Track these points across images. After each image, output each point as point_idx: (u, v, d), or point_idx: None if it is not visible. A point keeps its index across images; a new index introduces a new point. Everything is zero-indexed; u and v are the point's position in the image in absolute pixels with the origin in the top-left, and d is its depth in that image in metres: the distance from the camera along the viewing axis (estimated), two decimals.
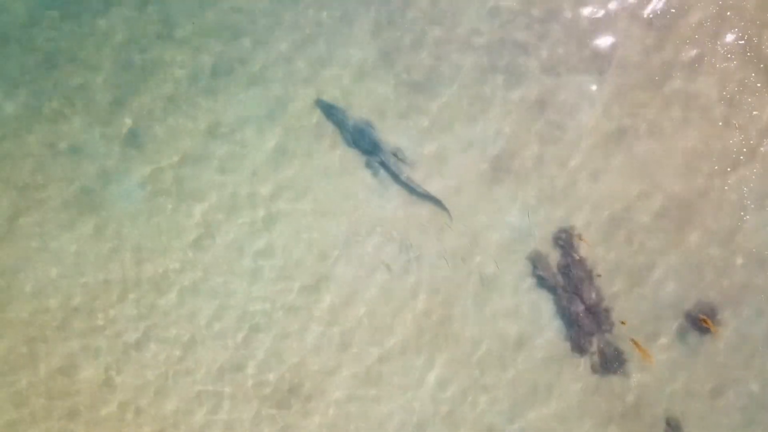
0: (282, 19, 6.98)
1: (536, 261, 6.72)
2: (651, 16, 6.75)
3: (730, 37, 6.68)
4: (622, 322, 6.62)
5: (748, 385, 6.48)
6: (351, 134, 6.88)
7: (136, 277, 6.88)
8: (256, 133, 6.93)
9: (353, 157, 6.90)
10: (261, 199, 6.90)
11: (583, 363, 6.63)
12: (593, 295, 6.63)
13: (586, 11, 6.82)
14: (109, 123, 6.95)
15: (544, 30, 6.84)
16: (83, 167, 6.94)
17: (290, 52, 6.97)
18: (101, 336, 6.85)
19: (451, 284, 6.77)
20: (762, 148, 6.62)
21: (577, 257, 6.67)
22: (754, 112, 6.63)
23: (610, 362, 6.59)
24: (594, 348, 6.61)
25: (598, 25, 6.81)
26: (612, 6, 6.79)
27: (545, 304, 6.73)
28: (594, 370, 6.61)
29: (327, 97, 6.93)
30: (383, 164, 6.86)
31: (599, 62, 6.78)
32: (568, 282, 6.65)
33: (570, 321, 6.64)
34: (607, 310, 6.63)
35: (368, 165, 6.90)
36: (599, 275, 6.66)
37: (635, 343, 6.58)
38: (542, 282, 6.72)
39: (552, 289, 6.70)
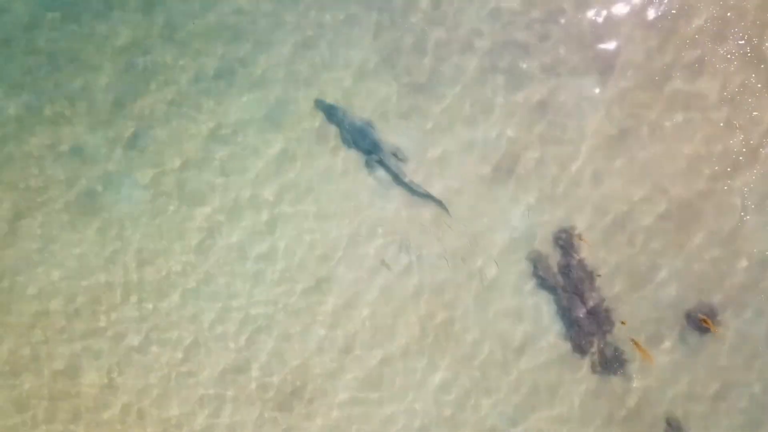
0: (284, 21, 6.97)
1: (536, 261, 6.72)
2: (653, 17, 6.74)
3: (731, 39, 6.66)
4: (622, 322, 6.61)
5: (749, 386, 6.48)
6: (350, 134, 6.88)
7: (138, 279, 6.89)
8: (258, 135, 6.94)
9: (355, 160, 6.90)
10: (263, 202, 6.91)
11: (584, 364, 6.63)
12: (593, 296, 6.62)
13: (588, 13, 6.80)
14: (111, 125, 6.96)
15: (546, 31, 6.83)
16: (85, 169, 6.95)
17: (292, 55, 6.96)
18: (103, 338, 6.88)
19: (453, 286, 6.77)
20: (763, 150, 6.61)
21: (578, 257, 6.66)
22: (755, 113, 6.62)
23: (611, 362, 6.58)
24: (594, 348, 6.61)
25: (599, 27, 6.79)
26: (614, 8, 6.78)
27: (546, 304, 6.72)
28: (594, 370, 6.61)
29: (327, 98, 6.92)
30: (383, 164, 6.86)
31: (601, 64, 6.76)
32: (568, 282, 6.65)
33: (570, 321, 6.63)
34: (607, 311, 6.62)
35: (368, 164, 6.90)
36: (599, 275, 6.65)
37: (635, 343, 6.57)
38: (542, 282, 6.71)
39: (552, 289, 6.69)
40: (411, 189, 6.82)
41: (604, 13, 6.79)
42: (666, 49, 6.72)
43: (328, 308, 6.83)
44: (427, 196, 6.81)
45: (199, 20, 6.98)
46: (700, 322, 6.50)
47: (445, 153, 6.85)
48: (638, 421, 6.57)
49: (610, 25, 6.78)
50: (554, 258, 6.72)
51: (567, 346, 6.66)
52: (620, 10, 6.77)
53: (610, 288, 6.66)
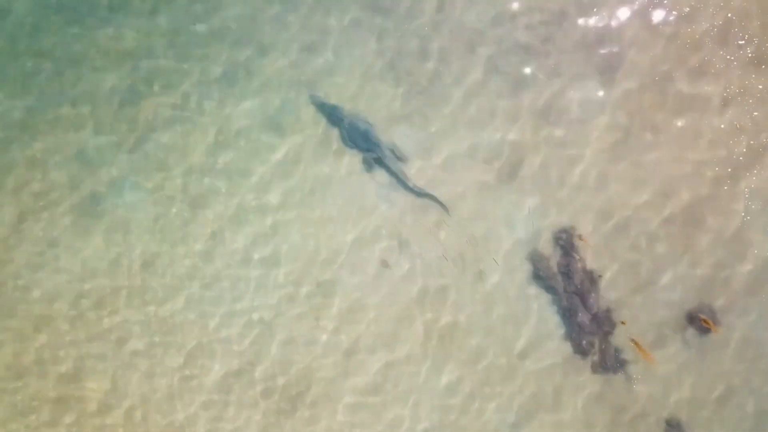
0: (288, 25, 6.95)
1: (538, 262, 6.73)
2: (657, 21, 6.72)
3: (735, 42, 6.65)
4: (623, 323, 6.62)
5: (751, 387, 6.51)
6: (348, 132, 6.86)
7: (142, 283, 6.89)
8: (261, 139, 6.92)
9: (359, 163, 6.90)
10: (267, 206, 6.90)
11: (586, 366, 6.65)
12: (593, 296, 6.64)
13: (592, 17, 6.78)
14: (115, 129, 6.94)
15: (550, 35, 6.81)
16: (89, 173, 6.93)
17: (296, 59, 6.94)
18: (107, 342, 6.88)
19: (457, 289, 6.78)
20: (760, 146, 6.62)
21: (578, 257, 6.67)
22: (759, 116, 6.62)
23: (611, 363, 6.59)
24: (595, 349, 6.62)
25: (603, 31, 6.77)
26: (618, 12, 6.75)
27: (547, 306, 6.73)
28: (595, 370, 6.63)
29: (324, 97, 6.91)
30: (381, 163, 6.85)
31: (605, 67, 6.75)
32: (568, 282, 6.66)
33: (570, 322, 6.65)
34: (607, 311, 6.63)
35: (366, 163, 6.89)
36: (600, 276, 6.66)
37: (636, 344, 6.58)
38: (544, 283, 6.73)
39: (552, 289, 6.71)
40: (409, 188, 6.82)
41: (608, 16, 6.78)
42: (670, 53, 6.71)
43: (331, 312, 6.83)
44: (426, 196, 6.81)
45: (202, 24, 6.95)
46: (701, 322, 6.52)
47: (448, 156, 6.84)
48: (638, 420, 6.59)
49: (614, 29, 6.76)
50: (556, 259, 6.72)
51: (569, 349, 6.68)
52: (624, 13, 6.75)
53: (610, 288, 6.68)
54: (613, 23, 6.77)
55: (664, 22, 6.72)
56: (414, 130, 6.87)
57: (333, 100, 6.88)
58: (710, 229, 6.62)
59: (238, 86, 6.93)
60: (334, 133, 6.91)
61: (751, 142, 6.61)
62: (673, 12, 6.71)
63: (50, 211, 6.91)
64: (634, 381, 6.61)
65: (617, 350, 6.61)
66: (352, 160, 6.90)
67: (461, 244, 6.79)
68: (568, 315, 6.66)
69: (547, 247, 6.75)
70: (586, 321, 6.61)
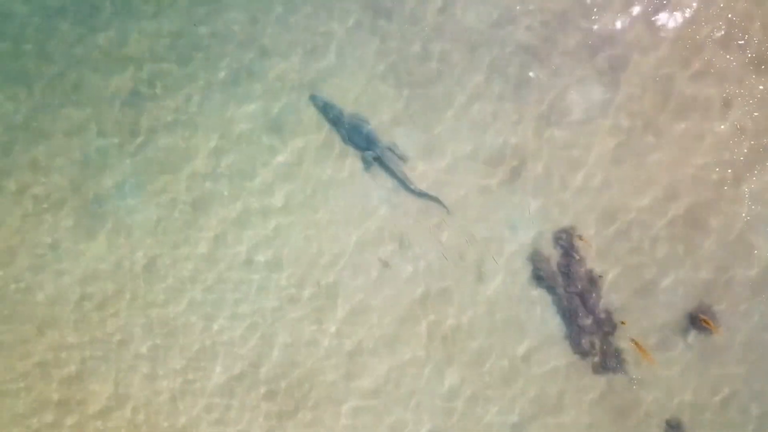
0: (291, 29, 6.95)
1: (537, 262, 6.75)
2: (660, 24, 6.73)
3: (738, 44, 6.66)
4: (623, 323, 6.65)
5: (750, 387, 6.54)
6: (347, 131, 6.86)
7: (145, 286, 6.89)
8: (264, 143, 6.93)
9: (361, 166, 6.90)
10: (269, 209, 6.90)
11: (587, 367, 6.68)
12: (594, 296, 6.66)
13: (596, 20, 6.79)
14: (118, 133, 6.95)
15: (554, 38, 6.81)
16: (92, 177, 6.94)
17: (299, 62, 6.94)
18: (111, 345, 6.88)
19: (459, 291, 6.80)
20: (762, 148, 6.63)
21: (578, 257, 6.69)
22: (762, 119, 6.63)
23: (612, 363, 6.63)
24: (595, 349, 6.65)
25: (607, 34, 6.78)
26: (620, 14, 6.76)
27: (549, 307, 6.75)
28: (596, 371, 6.65)
29: (324, 95, 6.91)
30: (380, 161, 6.85)
31: (608, 70, 6.76)
32: (568, 282, 6.68)
33: (571, 322, 6.67)
34: (607, 311, 6.66)
35: (364, 161, 6.88)
36: (600, 276, 6.68)
37: (636, 344, 6.61)
38: (543, 283, 6.74)
39: (552, 290, 6.73)
40: (407, 186, 6.82)
41: (612, 20, 6.78)
42: (673, 55, 6.72)
43: (334, 314, 6.84)
44: (425, 195, 6.82)
45: (207, 29, 6.94)
46: (701, 322, 6.55)
47: (451, 158, 6.85)
48: (638, 420, 6.62)
49: (617, 32, 6.77)
50: (557, 260, 6.74)
51: (570, 351, 6.70)
52: (627, 16, 6.75)
53: (610, 288, 6.69)
54: (616, 26, 6.78)
55: (667, 25, 6.73)
56: (416, 132, 6.87)
57: (334, 101, 6.88)
58: (713, 231, 6.64)
59: (241, 89, 6.93)
60: (336, 136, 6.92)
61: (753, 144, 6.62)
62: (676, 15, 6.72)
63: (53, 214, 6.90)
64: (636, 384, 6.63)
65: (617, 350, 6.63)
66: (355, 162, 6.91)
67: (463, 246, 6.80)
68: (568, 315, 6.68)
69: (547, 247, 6.76)
70: (587, 321, 6.63)
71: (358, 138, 6.84)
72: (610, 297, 6.68)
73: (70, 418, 6.85)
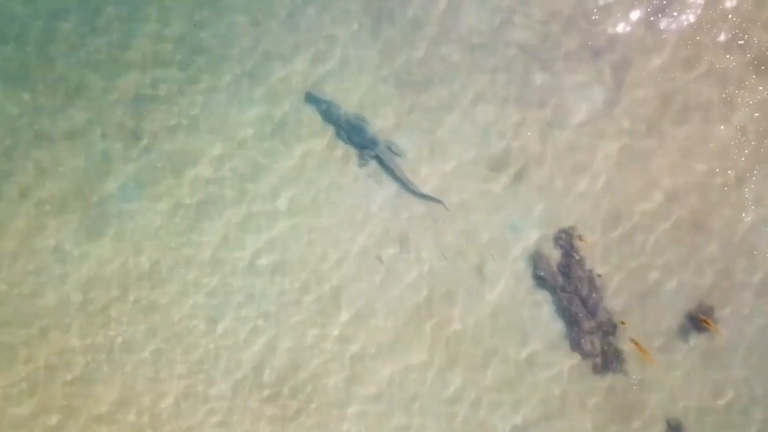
0: (294, 33, 6.93)
1: (538, 263, 6.76)
2: (664, 26, 6.72)
3: (741, 46, 6.66)
4: (622, 323, 6.65)
5: (750, 387, 6.56)
6: (345, 129, 6.86)
7: (149, 290, 6.89)
8: (267, 147, 6.91)
9: (365, 169, 6.89)
10: (273, 212, 6.89)
11: (589, 370, 6.70)
12: (594, 296, 6.67)
13: (599, 23, 6.78)
14: (123, 137, 6.92)
15: (557, 41, 6.81)
16: (97, 181, 6.92)
17: (303, 67, 6.93)
18: (114, 348, 6.88)
19: (463, 295, 6.80)
20: (764, 150, 6.65)
21: (578, 258, 6.70)
22: (758, 116, 6.64)
23: (611, 363, 6.63)
24: (595, 349, 6.66)
25: (610, 37, 6.77)
26: (624, 17, 6.75)
27: (549, 309, 6.76)
28: (595, 371, 6.66)
29: (319, 93, 6.91)
30: (378, 160, 6.85)
31: (612, 73, 6.76)
32: (568, 283, 6.70)
33: (571, 322, 6.69)
34: (607, 311, 6.67)
35: (361, 159, 6.88)
36: (600, 276, 6.70)
37: (636, 344, 6.62)
38: (543, 283, 6.75)
39: (553, 290, 6.74)
40: (406, 186, 6.82)
41: (615, 22, 6.77)
42: (676, 58, 6.71)
43: (337, 318, 6.85)
44: (424, 195, 6.82)
45: (208, 32, 6.92)
46: (700, 321, 6.57)
47: (454, 161, 6.85)
48: (638, 420, 6.63)
49: (620, 35, 6.76)
50: (557, 260, 6.74)
51: (574, 355, 6.73)
52: (630, 19, 6.75)
53: (610, 288, 6.70)
54: (619, 29, 6.77)
55: (669, 28, 6.72)
56: (420, 135, 6.87)
57: (334, 102, 6.89)
58: (715, 234, 6.66)
59: (245, 93, 6.92)
60: (339, 139, 6.92)
61: (755, 145, 6.63)
62: (679, 17, 6.71)
63: (56, 217, 6.89)
64: (638, 386, 6.65)
65: (618, 351, 6.64)
66: (358, 166, 6.90)
67: (467, 250, 6.81)
68: (568, 315, 6.69)
69: (548, 247, 6.77)
70: (587, 321, 6.64)
71: (357, 136, 6.84)
72: (614, 301, 6.69)
73: (73, 422, 6.84)
